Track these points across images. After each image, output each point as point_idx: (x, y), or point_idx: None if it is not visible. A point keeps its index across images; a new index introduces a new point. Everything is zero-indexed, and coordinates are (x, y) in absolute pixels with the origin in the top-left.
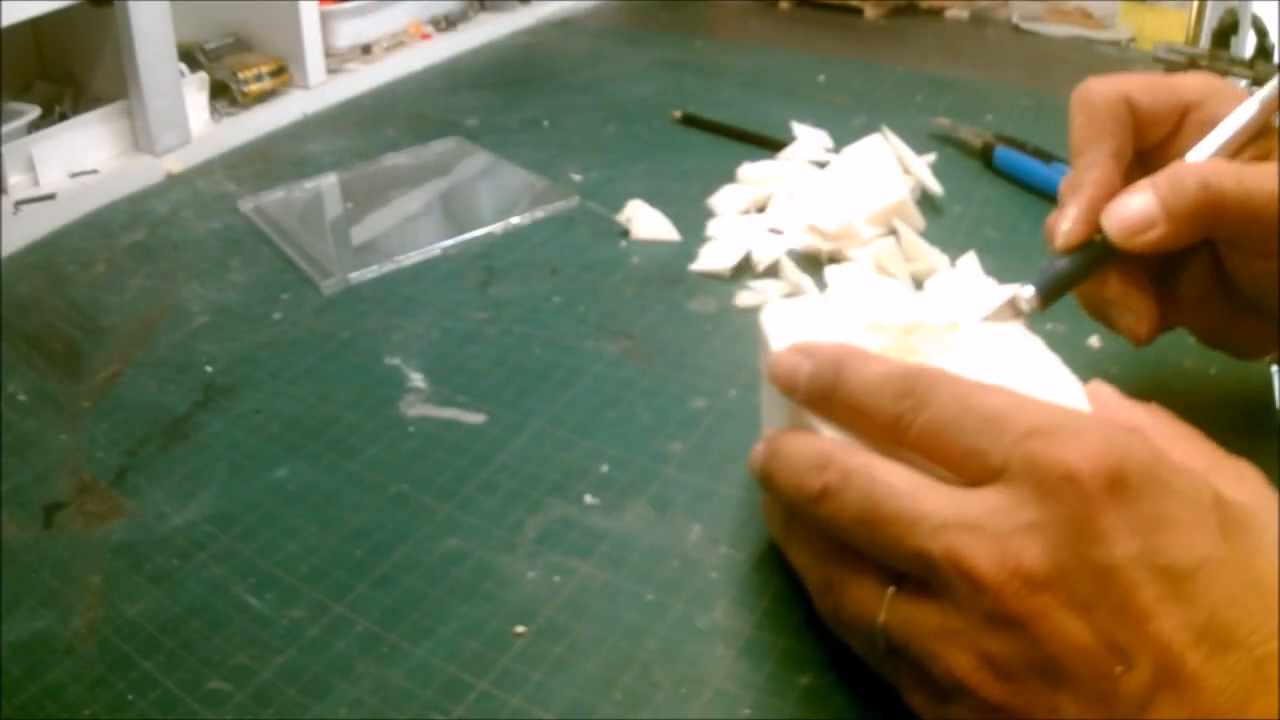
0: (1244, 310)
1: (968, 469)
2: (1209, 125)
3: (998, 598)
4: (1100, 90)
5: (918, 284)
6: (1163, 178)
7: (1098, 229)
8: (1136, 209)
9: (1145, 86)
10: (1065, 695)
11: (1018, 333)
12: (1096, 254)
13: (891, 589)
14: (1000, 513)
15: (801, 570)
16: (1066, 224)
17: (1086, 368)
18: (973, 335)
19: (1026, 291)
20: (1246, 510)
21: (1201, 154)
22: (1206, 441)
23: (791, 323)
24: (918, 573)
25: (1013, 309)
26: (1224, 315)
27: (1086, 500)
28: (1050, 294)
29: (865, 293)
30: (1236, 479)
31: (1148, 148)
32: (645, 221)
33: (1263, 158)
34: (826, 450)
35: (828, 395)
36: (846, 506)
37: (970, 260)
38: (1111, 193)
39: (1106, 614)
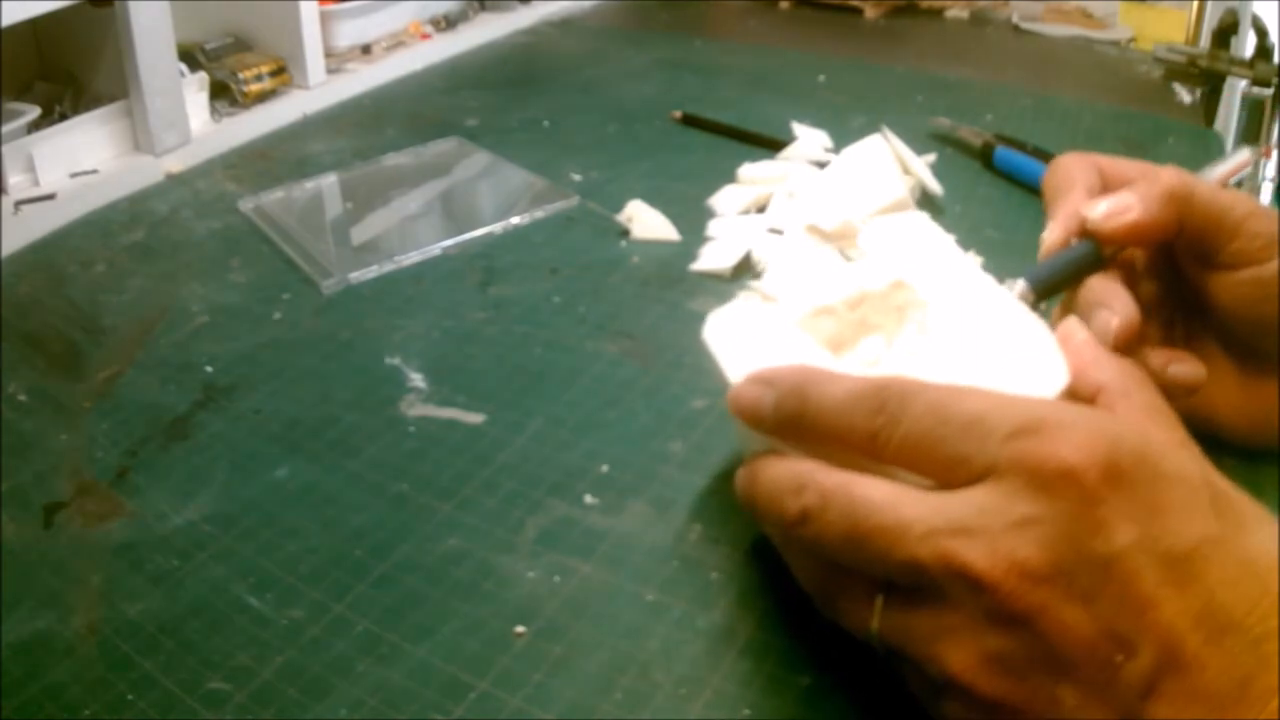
0: (1255, 374)
1: (953, 477)
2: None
3: (996, 594)
4: (1068, 156)
5: None
6: (1140, 179)
7: (1080, 233)
8: (1114, 199)
9: (1108, 159)
10: (1066, 687)
11: (932, 236)
12: (1085, 256)
13: (880, 599)
14: (989, 512)
15: (801, 581)
16: (1047, 231)
17: None
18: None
19: (1018, 287)
20: (1231, 489)
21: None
22: (1172, 414)
23: (736, 334)
24: (909, 581)
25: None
26: (1239, 388)
27: (1085, 493)
28: (1043, 290)
29: (799, 275)
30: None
31: None
32: (646, 221)
33: None
34: (801, 472)
35: (796, 423)
36: (829, 527)
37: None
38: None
39: (1108, 604)
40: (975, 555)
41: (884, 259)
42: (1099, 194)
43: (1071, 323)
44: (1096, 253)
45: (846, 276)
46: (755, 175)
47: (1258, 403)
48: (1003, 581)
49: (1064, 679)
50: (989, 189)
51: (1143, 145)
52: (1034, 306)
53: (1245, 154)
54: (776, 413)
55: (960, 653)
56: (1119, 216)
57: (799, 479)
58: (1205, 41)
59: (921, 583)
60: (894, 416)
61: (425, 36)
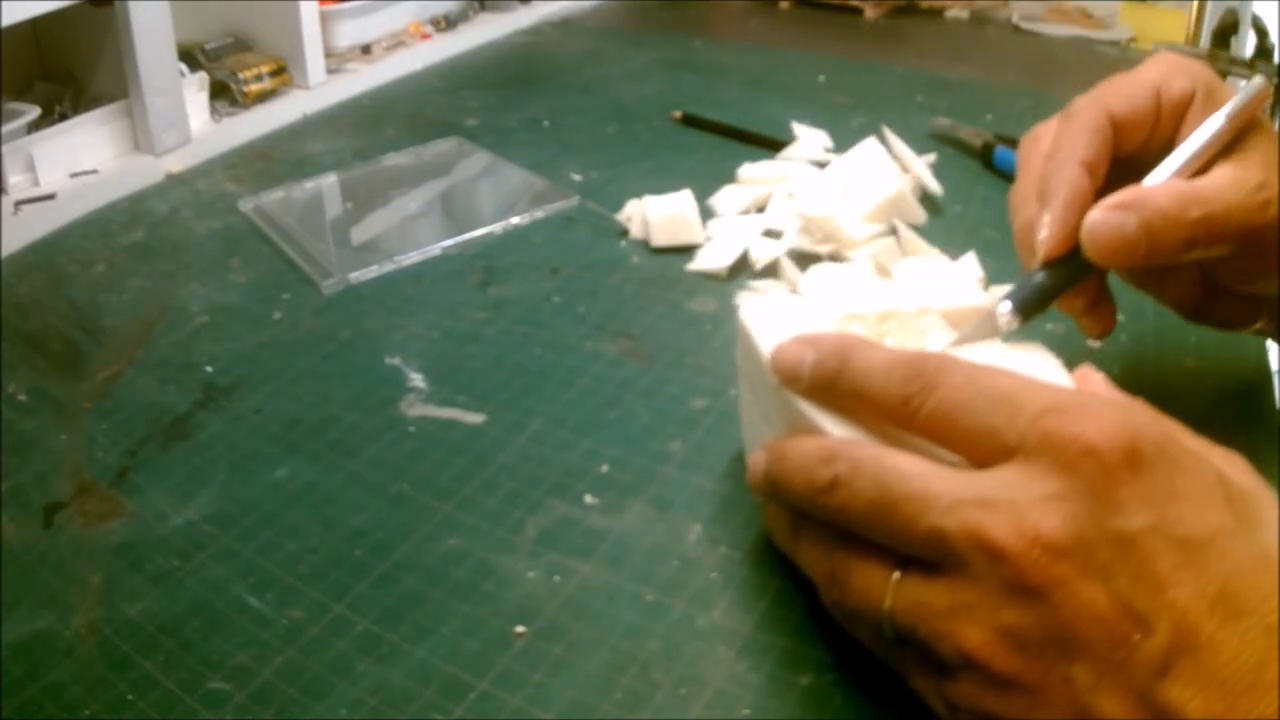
0: (1227, 291)
1: (980, 449)
2: (1181, 104)
3: (1017, 566)
4: (1080, 103)
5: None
6: (1151, 209)
7: (1075, 241)
8: (1119, 234)
9: (1121, 94)
10: (1081, 664)
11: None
12: (1076, 269)
13: (897, 573)
14: (1016, 487)
15: (809, 570)
16: (1044, 232)
17: None
18: (944, 319)
19: (1004, 308)
20: (1245, 488)
21: (1171, 167)
22: (1190, 433)
23: (773, 317)
24: (930, 553)
25: (990, 326)
26: (1207, 296)
27: (1105, 472)
28: (1029, 309)
29: (837, 285)
30: (1228, 465)
31: (1133, 150)
32: (662, 225)
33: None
34: (832, 444)
35: (832, 383)
36: (858, 495)
37: (970, 260)
38: (1083, 200)
39: (1125, 581)
40: (998, 527)
41: (917, 287)
42: (1103, 168)
43: (1087, 368)
44: (1089, 264)
45: (880, 292)
46: (755, 175)
47: (1211, 307)
48: (1025, 553)
49: (1079, 656)
50: (989, 189)
51: None
52: (1019, 325)
53: (1260, 81)
54: (815, 371)
55: (975, 628)
56: (1123, 261)
57: (830, 449)
58: (1205, 41)
59: (942, 555)
60: (929, 384)
61: (425, 36)
